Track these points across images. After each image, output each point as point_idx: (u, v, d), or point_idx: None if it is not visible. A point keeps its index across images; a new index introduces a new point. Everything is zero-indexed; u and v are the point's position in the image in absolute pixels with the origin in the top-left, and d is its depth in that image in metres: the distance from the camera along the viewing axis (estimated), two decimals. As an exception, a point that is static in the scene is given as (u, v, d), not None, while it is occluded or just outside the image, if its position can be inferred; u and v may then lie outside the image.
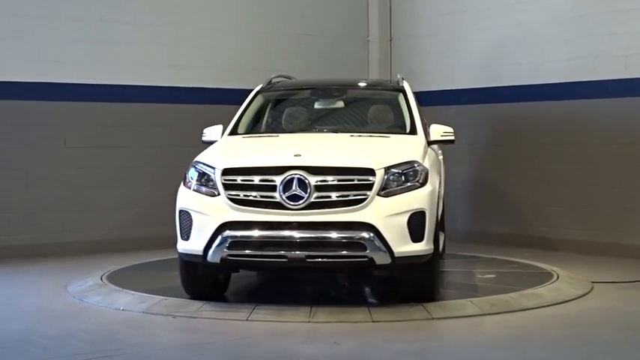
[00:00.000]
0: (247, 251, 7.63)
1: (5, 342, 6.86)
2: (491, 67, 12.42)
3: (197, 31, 12.42)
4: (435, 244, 7.79)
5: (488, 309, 7.88)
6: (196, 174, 7.94)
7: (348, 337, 7.02)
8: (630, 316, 8.01)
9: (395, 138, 8.62)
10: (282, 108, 9.63)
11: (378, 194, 7.56)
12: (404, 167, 7.74)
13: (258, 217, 7.57)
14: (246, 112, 9.38)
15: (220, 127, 9.07)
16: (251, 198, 7.62)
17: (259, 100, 9.58)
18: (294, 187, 7.52)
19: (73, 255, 10.70)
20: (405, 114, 8.95)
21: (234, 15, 12.77)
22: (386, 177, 7.62)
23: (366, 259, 7.50)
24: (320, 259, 7.56)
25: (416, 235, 7.57)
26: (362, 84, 9.96)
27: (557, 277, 9.21)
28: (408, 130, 8.79)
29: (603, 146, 11.26)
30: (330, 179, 7.58)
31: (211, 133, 9.03)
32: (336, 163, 7.75)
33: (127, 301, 8.13)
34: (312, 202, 7.52)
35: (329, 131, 8.98)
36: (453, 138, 8.78)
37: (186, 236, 7.84)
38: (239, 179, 7.71)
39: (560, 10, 11.66)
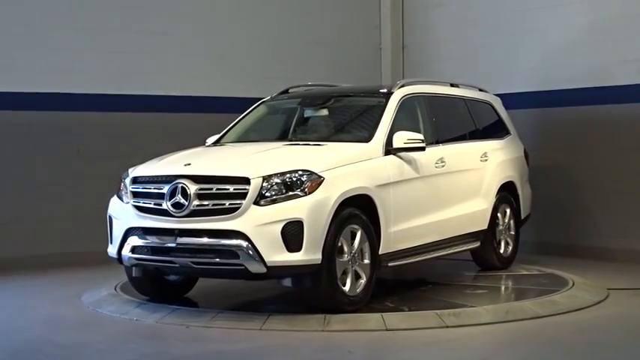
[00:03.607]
0: (145, 256, 7.96)
1: (18, 352, 6.86)
2: (504, 74, 12.35)
3: (209, 40, 12.43)
4: (325, 254, 7.55)
5: (502, 317, 7.83)
6: (122, 182, 8.37)
7: (362, 346, 6.99)
8: (647, 322, 7.96)
9: (329, 146, 8.46)
10: (271, 118, 9.78)
11: (257, 203, 7.53)
12: (288, 176, 7.64)
13: (152, 224, 7.90)
14: (240, 122, 9.69)
15: (217, 136, 9.47)
16: (148, 205, 7.95)
17: (261, 109, 9.81)
18: (177, 196, 7.71)
19: (88, 265, 10.66)
20: (375, 121, 8.73)
21: (247, 24, 12.74)
22: (264, 185, 7.57)
23: (241, 267, 7.52)
24: (205, 266, 7.69)
25: (292, 244, 7.45)
26: (354, 91, 9.78)
27: (573, 284, 9.14)
28: (365, 137, 8.58)
29: (616, 152, 11.19)
30: (209, 188, 7.69)
31: (211, 141, 9.45)
32: (214, 172, 7.86)
33: (141, 310, 8.14)
34: (193, 210, 7.66)
35: (282, 140, 8.96)
36: (420, 145, 8.56)
37: (110, 240, 8.35)
38: (140, 187, 8.11)
39: (576, 16, 11.61)
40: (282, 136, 9.29)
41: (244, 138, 9.44)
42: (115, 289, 9.07)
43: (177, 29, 12.17)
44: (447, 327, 7.52)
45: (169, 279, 8.65)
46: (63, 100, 11.30)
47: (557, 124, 11.88)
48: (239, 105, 10.78)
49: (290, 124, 9.48)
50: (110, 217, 8.37)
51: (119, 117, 11.70)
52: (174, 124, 11.94)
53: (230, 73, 12.53)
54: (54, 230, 11.21)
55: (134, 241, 7.97)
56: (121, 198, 8.31)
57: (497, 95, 11.08)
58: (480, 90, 10.78)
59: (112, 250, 8.28)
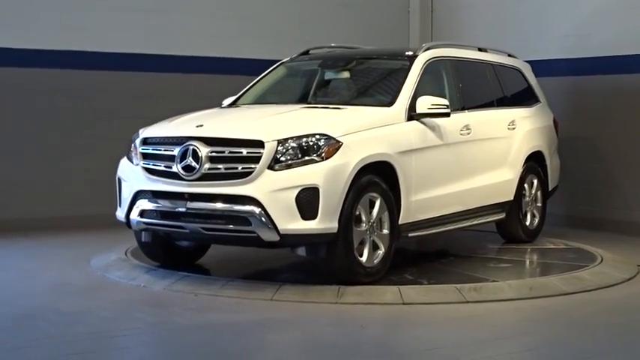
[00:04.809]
0: (154, 220, 7.67)
1: (17, 318, 6.60)
2: (534, 40, 11.98)
3: (234, 0, 12.09)
4: (342, 223, 7.24)
5: (526, 293, 7.50)
6: (132, 143, 8.04)
7: (376, 321, 6.69)
8: (678, 302, 7.58)
9: (349, 110, 8.12)
10: (290, 80, 9.48)
11: (271, 168, 7.21)
12: (305, 140, 7.30)
13: (161, 187, 7.60)
14: (258, 84, 9.41)
15: (233, 98, 9.21)
16: (158, 168, 7.66)
17: (280, 71, 9.51)
18: (188, 158, 7.40)
19: (100, 228, 10.38)
20: (398, 85, 8.39)
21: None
22: (279, 149, 7.24)
23: (254, 234, 7.21)
24: (215, 232, 7.40)
25: (307, 212, 7.12)
26: (377, 53, 9.42)
27: (601, 260, 8.78)
28: (388, 101, 8.24)
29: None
30: (221, 150, 7.37)
31: (227, 103, 9.20)
32: (227, 134, 7.54)
33: (149, 277, 7.87)
34: (205, 173, 7.34)
35: (301, 103, 8.63)
36: (445, 111, 8.21)
37: (119, 203, 8.08)
38: (150, 149, 7.80)
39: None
40: (301, 99, 8.96)
41: (262, 100, 9.12)
42: (126, 253, 8.81)
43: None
44: (467, 302, 7.20)
45: (180, 245, 8.38)
46: (77, 59, 11.01)
47: (588, 92, 11.49)
48: (261, 67, 10.43)
49: (309, 86, 9.17)
50: (119, 179, 8.10)
51: (136, 77, 11.43)
52: (194, 85, 11.63)
53: (252, 35, 12.20)
54: (67, 191, 11.00)
55: (143, 204, 7.69)
56: (130, 159, 8.02)
57: (527, 62, 10.70)
58: (509, 55, 10.42)
59: (120, 213, 8.01)
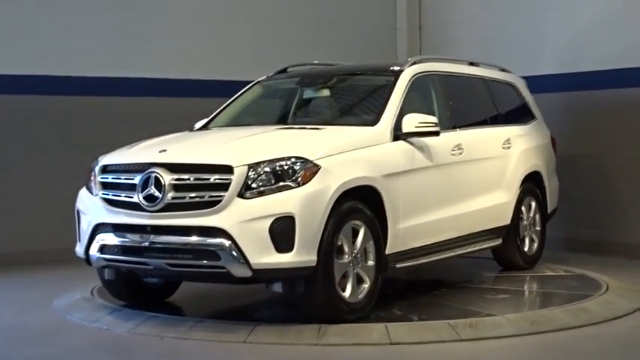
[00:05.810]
0: (115, 256, 7.05)
1: (-41, 370, 5.95)
2: (528, 55, 11.51)
3: (209, 18, 11.64)
4: (321, 255, 6.63)
5: (527, 328, 6.84)
6: (92, 171, 7.46)
7: (361, 365, 6.03)
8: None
9: (328, 130, 7.56)
10: (266, 100, 9.00)
11: (241, 195, 6.58)
12: (278, 164, 6.70)
13: (122, 220, 6.99)
14: (232, 105, 8.90)
15: (206, 120, 8.70)
16: (118, 198, 7.05)
17: (256, 90, 8.99)
18: (150, 187, 6.81)
19: (71, 263, 9.66)
20: (383, 102, 7.83)
21: (251, 1, 11.95)
22: (251, 175, 6.62)
23: (224, 269, 6.56)
24: (182, 268, 6.78)
25: (282, 244, 6.52)
26: (360, 69, 8.88)
27: (607, 288, 8.19)
28: (371, 120, 7.67)
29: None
30: (186, 178, 6.77)
31: (198, 126, 8.66)
32: (192, 159, 6.95)
33: (112, 318, 7.22)
34: (168, 203, 6.73)
35: (277, 124, 8.10)
36: (434, 129, 7.65)
37: (78, 237, 7.46)
38: (110, 177, 7.24)
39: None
40: (279, 120, 8.40)
41: (235, 122, 8.55)
42: (92, 292, 8.16)
43: (174, 7, 11.39)
44: (462, 340, 6.54)
45: (148, 282, 7.74)
46: (46, 83, 10.51)
47: (586, 108, 11.00)
48: (241, 89, 9.94)
49: (287, 106, 8.64)
50: (78, 211, 7.47)
51: (109, 102, 10.90)
52: (171, 110, 11.11)
53: (234, 55, 11.74)
54: (39, 224, 10.42)
55: (103, 239, 7.06)
56: (90, 190, 7.40)
57: (521, 77, 10.16)
58: (502, 70, 9.85)
59: (79, 249, 7.36)
